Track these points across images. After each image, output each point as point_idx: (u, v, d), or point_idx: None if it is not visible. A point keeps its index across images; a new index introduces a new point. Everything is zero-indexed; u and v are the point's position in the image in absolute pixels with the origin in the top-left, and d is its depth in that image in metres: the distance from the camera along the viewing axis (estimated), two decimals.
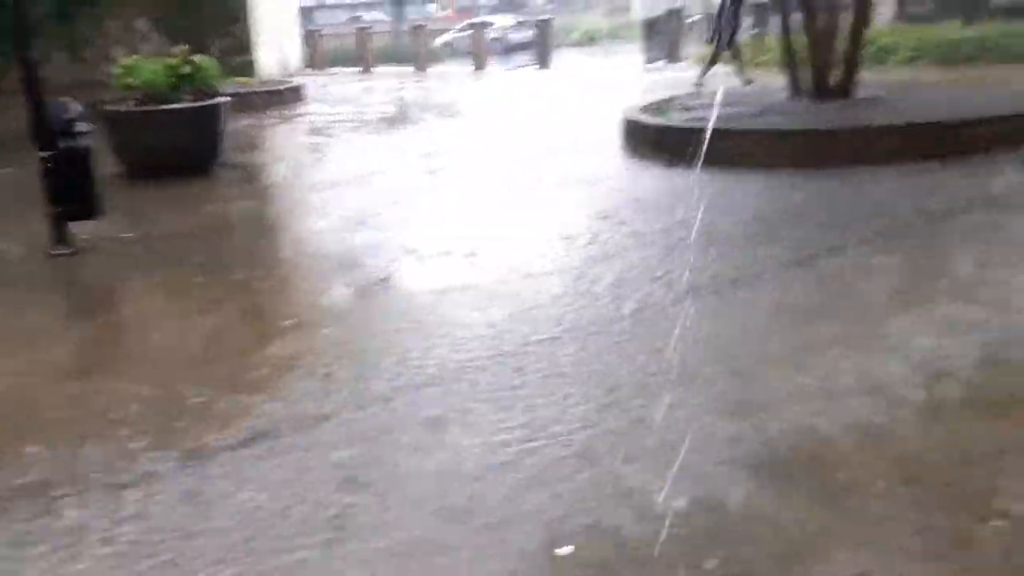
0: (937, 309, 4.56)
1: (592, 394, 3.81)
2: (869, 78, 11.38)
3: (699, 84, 14.87)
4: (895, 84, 12.61)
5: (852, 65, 10.54)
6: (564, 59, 26.22)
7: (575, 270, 5.66)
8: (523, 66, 25.86)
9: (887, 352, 4.03)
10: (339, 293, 5.59)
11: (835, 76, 10.52)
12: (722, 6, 15.43)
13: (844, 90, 10.42)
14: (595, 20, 34.23)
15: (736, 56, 15.76)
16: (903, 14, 24.47)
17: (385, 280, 5.77)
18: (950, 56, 16.73)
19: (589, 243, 6.30)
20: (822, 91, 10.46)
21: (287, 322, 5.12)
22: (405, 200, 8.32)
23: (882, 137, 8.62)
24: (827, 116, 9.34)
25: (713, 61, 15.87)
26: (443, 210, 7.82)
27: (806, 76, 10.72)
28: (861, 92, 10.55)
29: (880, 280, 5.16)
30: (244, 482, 3.22)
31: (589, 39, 34.23)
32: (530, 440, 3.38)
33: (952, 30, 18.49)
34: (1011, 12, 21.06)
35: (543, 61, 25.06)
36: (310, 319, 5.17)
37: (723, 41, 15.37)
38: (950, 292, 4.81)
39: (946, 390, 3.61)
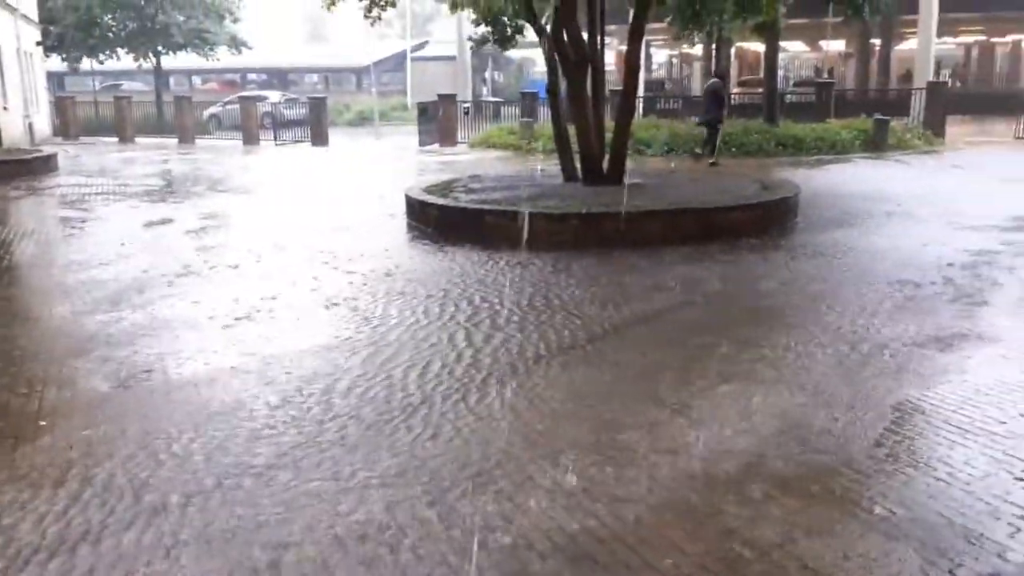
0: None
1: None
2: (633, 166, 12.24)
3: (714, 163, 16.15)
4: (656, 172, 13.66)
5: (621, 154, 11.29)
6: (338, 138, 26.19)
7: (340, 370, 5.51)
8: (297, 142, 25.54)
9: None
10: (90, 387, 5.03)
11: (605, 163, 11.21)
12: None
13: (614, 177, 11.12)
14: (368, 101, 34.42)
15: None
16: (653, 110, 26.79)
17: (145, 371, 5.28)
18: (699, 149, 18.35)
19: (359, 329, 6.20)
20: (594, 177, 11.09)
21: (39, 423, 4.52)
22: (170, 281, 7.77)
23: (649, 221, 9.24)
24: (599, 200, 9.88)
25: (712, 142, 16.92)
26: (213, 291, 7.39)
27: (583, 163, 11.33)
28: (628, 179, 11.31)
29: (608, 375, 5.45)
30: None
31: (362, 119, 34.45)
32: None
33: (698, 126, 20.34)
34: (747, 110, 23.66)
35: (318, 139, 24.90)
36: (63, 417, 4.60)
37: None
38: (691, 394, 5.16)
39: None
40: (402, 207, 10.76)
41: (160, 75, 35.46)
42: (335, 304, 6.78)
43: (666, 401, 4.58)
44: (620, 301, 6.74)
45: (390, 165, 19.03)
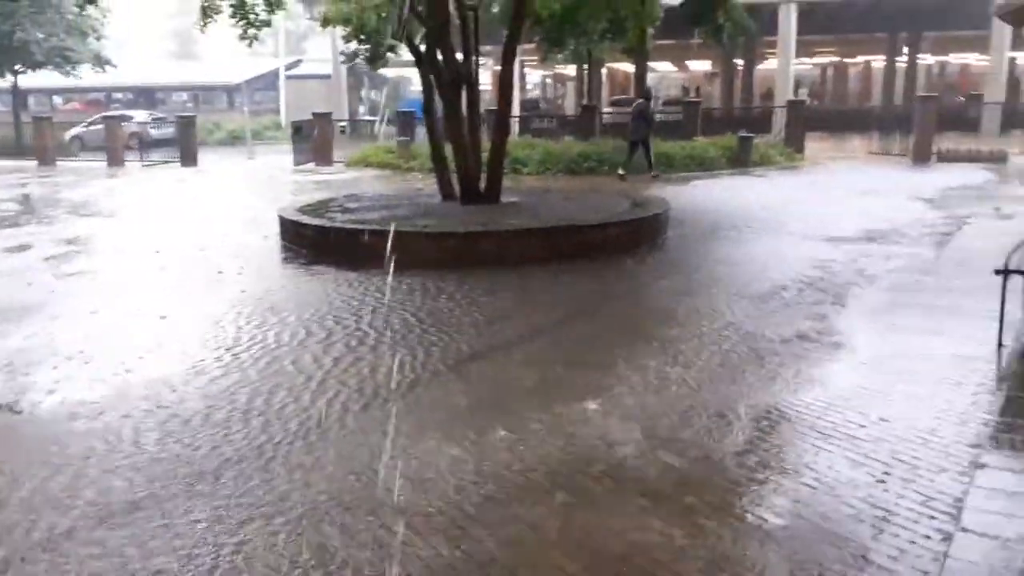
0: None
1: None
2: (509, 185, 12.33)
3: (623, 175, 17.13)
4: (532, 191, 13.79)
5: (497, 173, 11.35)
6: (209, 158, 25.38)
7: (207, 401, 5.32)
8: (165, 163, 24.61)
9: None
10: None
11: (483, 182, 11.24)
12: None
13: (491, 195, 11.17)
14: (240, 120, 33.49)
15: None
16: (529, 129, 27.16)
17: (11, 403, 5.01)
18: (574, 167, 18.71)
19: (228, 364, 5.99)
20: (472, 196, 11.11)
21: None
22: (27, 310, 7.31)
23: (527, 239, 9.30)
24: (477, 219, 9.89)
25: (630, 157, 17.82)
26: (72, 319, 7.00)
27: (461, 182, 11.33)
28: (505, 197, 11.38)
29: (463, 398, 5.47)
30: None
31: (234, 138, 33.54)
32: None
33: (572, 145, 20.75)
34: (619, 128, 24.31)
35: (187, 159, 24.07)
36: None
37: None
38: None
39: None
40: (276, 228, 10.49)
41: (18, 94, 33.53)
42: (198, 330, 6.51)
43: (530, 419, 4.57)
44: (494, 321, 6.71)
45: (263, 185, 18.54)
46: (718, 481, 3.85)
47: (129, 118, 29.81)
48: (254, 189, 17.77)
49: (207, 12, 13.40)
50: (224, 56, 48.91)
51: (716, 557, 3.20)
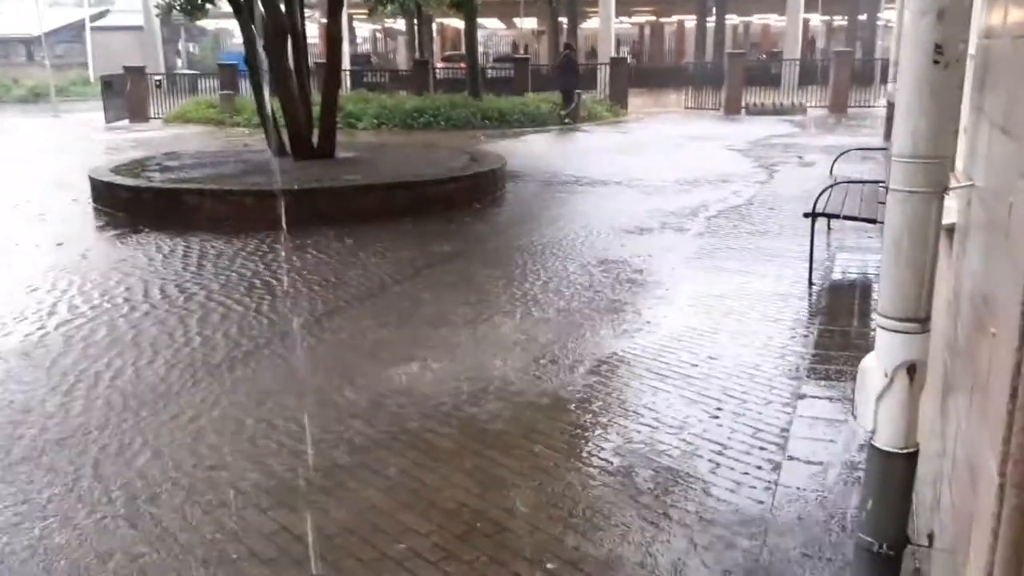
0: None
1: None
2: (344, 140, 12.00)
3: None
4: (368, 146, 13.51)
5: (330, 127, 11.01)
6: (7, 116, 23.30)
7: None
8: None
9: None
10: None
11: (315, 138, 10.88)
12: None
13: (325, 151, 10.83)
14: (42, 75, 30.80)
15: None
16: (361, 83, 26.57)
17: None
18: (409, 122, 18.46)
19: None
20: (304, 152, 10.72)
21: None
22: None
23: (364, 195, 9.10)
24: (311, 175, 9.57)
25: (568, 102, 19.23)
26: None
27: (291, 137, 10.90)
28: (340, 153, 11.07)
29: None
30: None
31: (37, 95, 30.91)
32: None
33: (407, 100, 20.46)
34: (452, 84, 24.23)
35: None
36: None
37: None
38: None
39: None
40: (87, 191, 9.76)
41: None
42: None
43: (373, 380, 4.49)
44: (330, 282, 6.51)
45: (72, 144, 17.20)
46: (564, 427, 3.91)
47: None
48: (61, 149, 16.45)
49: None
50: (20, 5, 44.78)
51: (567, 504, 3.24)
